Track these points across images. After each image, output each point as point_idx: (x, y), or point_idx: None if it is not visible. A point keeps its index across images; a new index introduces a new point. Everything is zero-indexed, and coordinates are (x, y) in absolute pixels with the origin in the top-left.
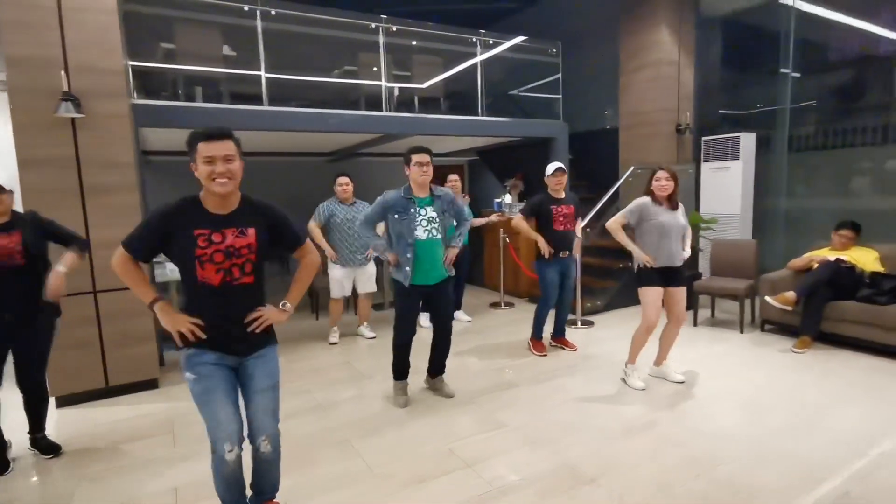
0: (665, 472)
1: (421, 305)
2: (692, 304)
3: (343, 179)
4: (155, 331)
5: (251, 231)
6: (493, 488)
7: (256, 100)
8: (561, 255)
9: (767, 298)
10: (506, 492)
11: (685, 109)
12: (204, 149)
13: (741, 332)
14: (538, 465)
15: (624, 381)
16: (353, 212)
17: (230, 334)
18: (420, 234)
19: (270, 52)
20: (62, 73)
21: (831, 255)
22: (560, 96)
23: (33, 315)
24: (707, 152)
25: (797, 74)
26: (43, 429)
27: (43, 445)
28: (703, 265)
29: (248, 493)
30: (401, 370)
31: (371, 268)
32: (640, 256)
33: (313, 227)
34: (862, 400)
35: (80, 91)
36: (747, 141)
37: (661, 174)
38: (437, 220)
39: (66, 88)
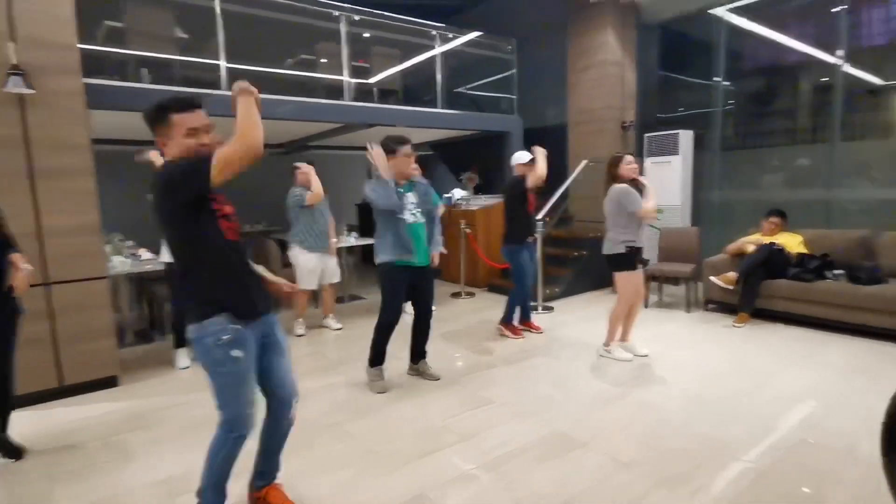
0: (647, 433)
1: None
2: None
3: (303, 166)
4: (115, 325)
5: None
6: (495, 457)
7: (210, 85)
8: (529, 240)
9: (712, 278)
10: (507, 459)
11: (629, 108)
12: (184, 120)
13: (688, 311)
14: (531, 434)
15: (606, 357)
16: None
17: (254, 293)
18: (408, 217)
19: (226, 36)
20: (9, 45)
21: (763, 240)
22: (515, 96)
23: None
24: (650, 148)
25: (727, 83)
26: (6, 429)
27: (8, 448)
28: (651, 252)
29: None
30: (379, 354)
31: (334, 258)
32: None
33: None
34: (798, 364)
35: (28, 66)
36: (685, 138)
37: (629, 157)
38: (419, 205)
39: (14, 62)
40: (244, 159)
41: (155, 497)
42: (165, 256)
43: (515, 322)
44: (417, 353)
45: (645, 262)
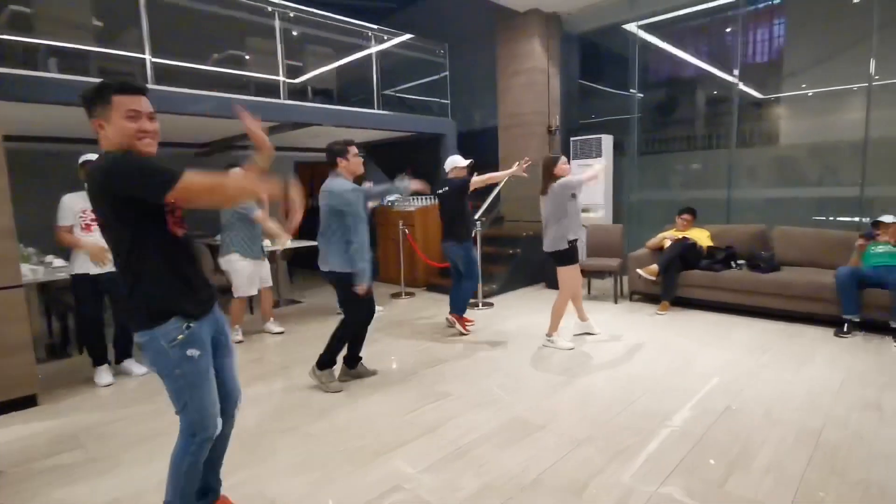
0: (596, 413)
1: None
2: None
3: (235, 171)
4: (32, 338)
5: None
6: (461, 445)
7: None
8: (473, 235)
9: (638, 270)
10: (474, 446)
11: (554, 113)
12: (126, 102)
13: (615, 302)
14: (492, 422)
15: (550, 346)
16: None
17: (202, 289)
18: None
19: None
20: None
21: (677, 235)
22: (448, 100)
23: None
24: (575, 150)
25: (640, 95)
26: None
27: None
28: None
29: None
30: (334, 357)
31: (267, 263)
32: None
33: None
34: (715, 344)
35: None
36: (607, 142)
37: (564, 158)
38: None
39: None
40: (209, 202)
41: None
42: (77, 267)
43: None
44: (355, 357)
45: None
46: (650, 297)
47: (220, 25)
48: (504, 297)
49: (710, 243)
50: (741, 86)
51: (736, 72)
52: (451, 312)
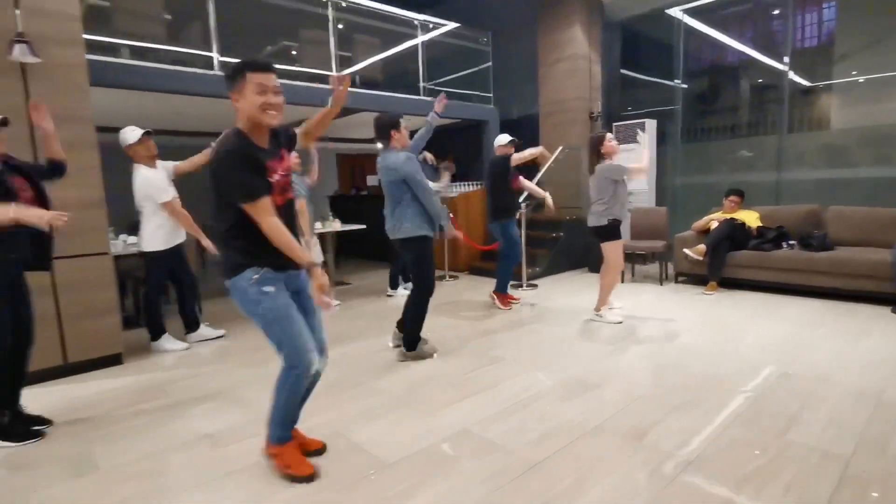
0: (651, 375)
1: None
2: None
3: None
4: (117, 301)
5: (284, 152)
6: (522, 399)
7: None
8: (517, 215)
9: (685, 250)
10: (533, 400)
11: (596, 99)
12: (257, 77)
13: (661, 283)
14: (548, 381)
15: (598, 320)
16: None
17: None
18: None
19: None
20: (14, 12)
21: (725, 216)
22: (491, 89)
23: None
24: (618, 136)
25: (685, 85)
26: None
27: (27, 420)
28: (624, 231)
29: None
30: (417, 332)
31: (317, 244)
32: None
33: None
34: (768, 319)
35: (33, 34)
36: (651, 126)
37: (610, 135)
38: None
39: (19, 29)
40: (265, 231)
41: (202, 449)
42: (153, 244)
43: (476, 297)
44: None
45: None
46: (696, 279)
47: (276, 16)
48: (548, 279)
49: (760, 224)
50: (791, 74)
51: (786, 59)
52: (494, 290)
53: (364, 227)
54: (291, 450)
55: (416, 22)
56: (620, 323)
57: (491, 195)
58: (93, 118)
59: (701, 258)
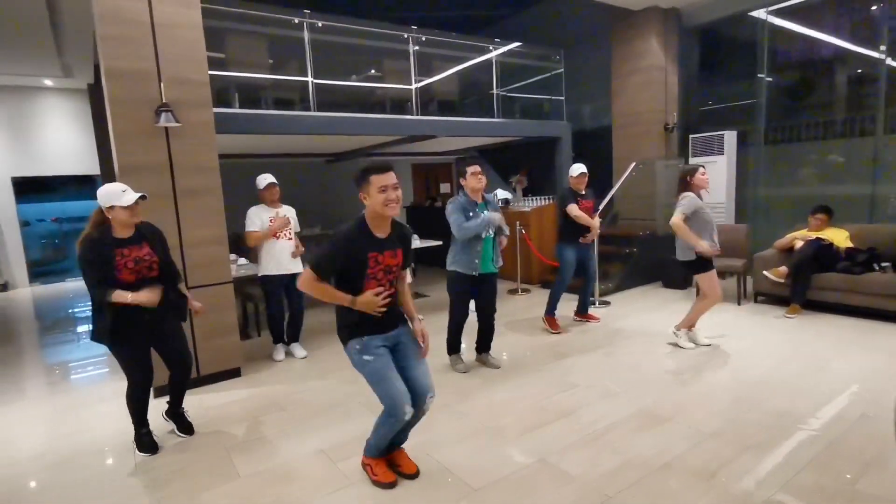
0: (724, 409)
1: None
2: (694, 283)
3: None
4: (237, 323)
5: (399, 252)
6: (593, 430)
7: (287, 105)
8: (581, 240)
9: (765, 272)
10: (607, 430)
11: (671, 110)
12: (379, 180)
13: (738, 304)
14: (620, 411)
15: (675, 343)
16: None
17: (385, 321)
18: (482, 233)
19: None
20: (158, 85)
21: (810, 235)
22: (564, 102)
23: (164, 312)
24: (694, 148)
25: (770, 78)
26: (181, 403)
27: (184, 423)
28: None
29: None
30: (453, 345)
31: None
32: (705, 249)
33: None
34: (851, 349)
35: (172, 101)
36: (730, 138)
37: (703, 169)
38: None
39: (162, 100)
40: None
41: (320, 462)
42: (266, 270)
43: (569, 315)
44: (481, 347)
45: None
46: (777, 300)
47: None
48: (620, 295)
49: (849, 244)
50: (890, 61)
51: (883, 47)
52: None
53: (440, 242)
54: (380, 462)
55: (490, 47)
56: (693, 348)
57: (557, 219)
58: (217, 167)
59: (782, 280)
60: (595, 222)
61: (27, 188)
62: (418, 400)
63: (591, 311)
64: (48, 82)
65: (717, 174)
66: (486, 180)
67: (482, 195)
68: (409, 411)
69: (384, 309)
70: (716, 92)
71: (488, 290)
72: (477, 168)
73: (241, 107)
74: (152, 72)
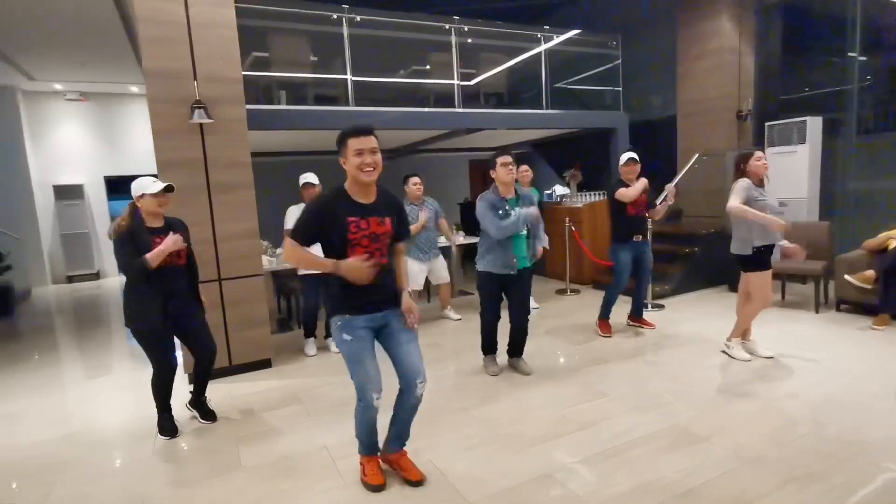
0: (773, 431)
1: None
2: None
3: (415, 179)
4: (268, 315)
5: (388, 220)
6: (613, 446)
7: (335, 101)
8: (635, 239)
9: (847, 277)
10: (629, 447)
11: (746, 96)
12: (354, 143)
13: (816, 311)
14: (650, 426)
15: (726, 353)
16: (423, 208)
17: (372, 299)
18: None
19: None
20: (193, 83)
21: None
22: (620, 86)
23: (191, 303)
24: (771, 137)
25: (864, 57)
26: (205, 392)
27: (206, 410)
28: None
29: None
30: (488, 345)
31: (441, 260)
32: (778, 224)
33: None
34: None
35: (207, 99)
36: (814, 125)
37: (760, 154)
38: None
39: (197, 97)
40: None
41: (320, 458)
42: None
43: (621, 321)
44: (512, 351)
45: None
46: (863, 308)
47: (406, 46)
48: (678, 298)
49: None
50: None
51: None
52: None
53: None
54: (372, 461)
55: (538, 35)
56: (749, 361)
57: (609, 216)
58: (250, 162)
59: (869, 287)
60: (670, 187)
61: (118, 186)
62: (408, 386)
63: (646, 315)
64: (134, 88)
65: (797, 166)
66: (531, 174)
67: (514, 189)
68: (376, 397)
69: (373, 280)
70: (800, 75)
71: (520, 288)
72: (508, 158)
73: (288, 104)
74: (188, 70)
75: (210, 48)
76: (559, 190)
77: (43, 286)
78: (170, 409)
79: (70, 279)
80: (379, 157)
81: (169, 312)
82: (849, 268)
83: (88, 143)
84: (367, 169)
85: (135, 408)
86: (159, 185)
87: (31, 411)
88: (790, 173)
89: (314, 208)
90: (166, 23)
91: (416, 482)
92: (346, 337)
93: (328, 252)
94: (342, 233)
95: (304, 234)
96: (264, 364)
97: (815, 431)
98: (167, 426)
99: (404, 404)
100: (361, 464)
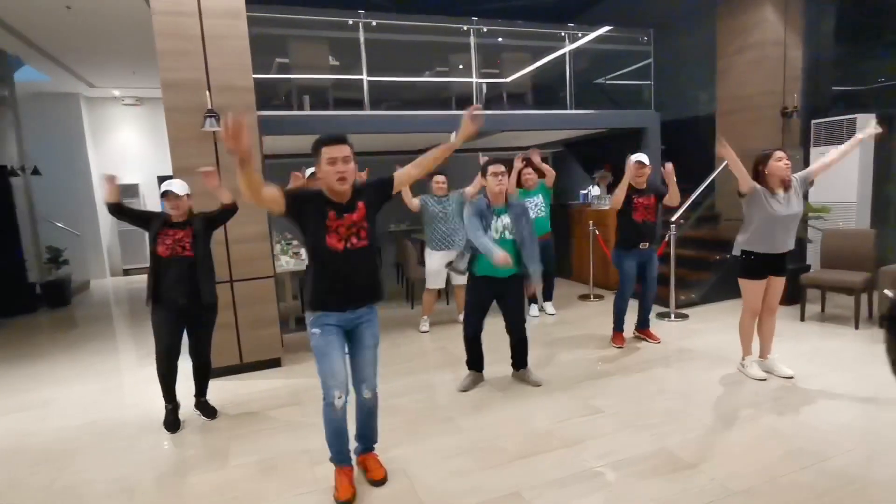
0: (770, 463)
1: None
2: (800, 298)
3: (440, 178)
4: (278, 315)
5: (360, 205)
6: (592, 466)
7: (356, 104)
8: (640, 247)
9: (887, 291)
10: (607, 470)
11: (792, 91)
12: (327, 151)
13: (856, 327)
14: (637, 448)
15: (742, 371)
16: (445, 204)
17: (346, 292)
18: (492, 235)
19: (369, 59)
20: (206, 92)
21: None
22: (651, 83)
23: (201, 306)
24: (818, 136)
25: None
26: (205, 394)
27: (207, 409)
28: (812, 257)
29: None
30: (473, 361)
31: None
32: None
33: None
34: None
35: (220, 107)
36: (865, 123)
37: (780, 154)
38: (512, 226)
39: (209, 106)
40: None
41: (300, 462)
42: None
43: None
44: (515, 362)
45: (802, 270)
46: None
47: (426, 48)
48: (704, 308)
49: None
50: None
51: None
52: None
53: None
54: (342, 473)
55: (562, 33)
56: (764, 380)
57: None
58: (261, 168)
59: None
60: (668, 167)
61: None
62: (358, 390)
63: (666, 325)
64: None
65: (845, 167)
66: (535, 177)
67: (506, 199)
68: (337, 395)
69: (349, 275)
70: (855, 68)
71: (511, 296)
72: (499, 167)
73: (312, 109)
74: (202, 81)
75: (223, 59)
76: (594, 191)
77: (101, 278)
78: (174, 402)
79: (126, 272)
80: (352, 165)
81: (179, 305)
82: (893, 281)
83: (143, 144)
84: (343, 179)
85: (153, 399)
86: (166, 187)
87: (62, 398)
88: (838, 175)
89: (307, 190)
90: (182, 36)
91: (377, 481)
92: (316, 331)
93: (307, 235)
94: (320, 217)
95: (290, 192)
96: (274, 363)
97: (817, 465)
98: (169, 420)
99: (358, 405)
100: (334, 474)
